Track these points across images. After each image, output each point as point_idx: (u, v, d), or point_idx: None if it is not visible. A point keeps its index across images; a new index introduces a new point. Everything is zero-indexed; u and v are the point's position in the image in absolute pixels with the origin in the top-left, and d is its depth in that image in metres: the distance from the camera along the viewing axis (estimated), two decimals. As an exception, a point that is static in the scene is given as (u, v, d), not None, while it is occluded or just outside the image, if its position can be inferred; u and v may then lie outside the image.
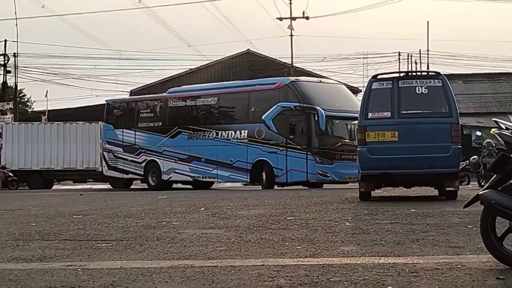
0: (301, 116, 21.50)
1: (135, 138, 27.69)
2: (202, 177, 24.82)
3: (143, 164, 27.02)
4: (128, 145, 27.85)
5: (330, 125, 21.71)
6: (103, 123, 29.58)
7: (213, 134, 24.33)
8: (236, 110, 24.38)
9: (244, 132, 23.07)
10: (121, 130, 28.20)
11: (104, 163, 29.17)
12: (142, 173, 27.11)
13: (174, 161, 25.80)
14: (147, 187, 26.43)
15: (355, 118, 18.83)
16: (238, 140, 23.31)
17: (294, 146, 21.71)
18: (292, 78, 22.82)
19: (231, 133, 23.64)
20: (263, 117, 22.22)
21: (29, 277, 4.77)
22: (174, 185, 26.36)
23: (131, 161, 27.78)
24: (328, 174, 21.24)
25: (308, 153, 21.39)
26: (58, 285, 4.46)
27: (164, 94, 28.05)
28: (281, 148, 21.96)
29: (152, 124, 26.99)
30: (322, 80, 23.87)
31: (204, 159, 24.45)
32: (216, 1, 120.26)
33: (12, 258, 5.73)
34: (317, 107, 21.14)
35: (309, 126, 21.37)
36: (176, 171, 25.69)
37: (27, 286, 4.45)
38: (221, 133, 23.96)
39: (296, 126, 21.72)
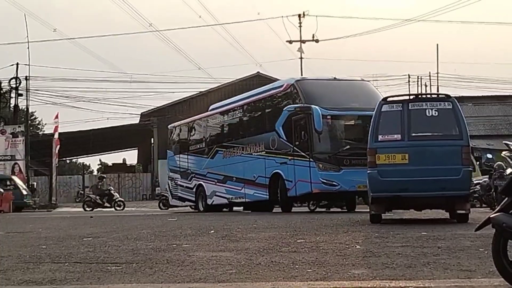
0: (304, 119, 18.72)
1: (187, 162, 25.96)
2: (234, 198, 22.61)
3: (194, 190, 25.07)
4: (183, 171, 26.21)
5: (336, 126, 19.11)
6: (168, 150, 28.37)
7: (239, 149, 22.28)
8: (253, 121, 22.19)
9: (262, 144, 20.77)
10: (178, 155, 26.80)
11: (169, 192, 27.84)
12: (194, 199, 25.12)
13: (214, 183, 23.75)
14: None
15: None
16: (258, 153, 21.01)
17: (299, 153, 18.97)
18: (298, 77, 20.40)
19: (252, 146, 21.47)
20: (275, 125, 19.89)
21: (39, 300, 4.77)
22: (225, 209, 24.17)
23: (186, 187, 25.90)
24: (334, 183, 18.30)
25: (311, 159, 18.60)
26: (68, 308, 4.46)
27: (208, 112, 26.01)
28: (289, 157, 19.34)
29: (198, 146, 25.37)
30: (338, 77, 20.73)
31: (235, 178, 22.40)
32: (226, 24, 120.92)
33: (22, 281, 5.73)
34: (312, 106, 18.35)
35: (310, 129, 18.49)
36: (217, 193, 23.58)
37: (37, 309, 4.44)
38: (245, 148, 21.87)
39: (300, 130, 18.99)
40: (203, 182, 24.39)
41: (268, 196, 20.47)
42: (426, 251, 7.36)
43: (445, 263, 6.33)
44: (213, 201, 23.73)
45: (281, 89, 20.27)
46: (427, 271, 5.86)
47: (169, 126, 28.47)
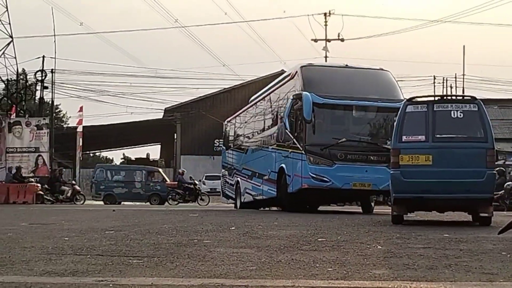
0: (301, 108, 16.91)
1: (232, 158, 25.41)
2: (257, 195, 21.40)
3: (234, 186, 24.46)
4: (229, 167, 25.73)
5: (332, 115, 17.37)
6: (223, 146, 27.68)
7: (261, 142, 21.15)
8: (269, 112, 20.86)
9: (274, 136, 19.45)
10: (227, 151, 26.30)
11: (220, 189, 27.39)
12: (234, 196, 24.37)
13: (245, 179, 22.96)
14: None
15: (388, 109, 16.68)
16: (271, 146, 19.68)
17: (296, 145, 17.27)
18: (305, 63, 18.39)
19: (268, 139, 20.25)
20: (283, 115, 18.16)
21: (61, 291, 4.81)
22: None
23: (230, 184, 25.38)
24: (325, 179, 16.49)
25: (303, 152, 16.86)
26: (90, 299, 4.50)
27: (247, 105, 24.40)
28: (290, 150, 17.71)
29: (239, 140, 24.55)
30: (351, 65, 18.94)
31: (257, 174, 21.31)
32: (251, 21, 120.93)
33: (45, 272, 5.78)
34: (303, 92, 16.72)
35: (302, 118, 16.87)
36: (247, 190, 22.74)
37: (59, 300, 4.48)
38: (264, 141, 20.69)
39: (297, 120, 17.29)
40: (240, 178, 23.81)
41: (276, 193, 19.04)
42: (448, 253, 7.32)
43: (467, 266, 6.30)
44: (244, 198, 23.10)
45: (289, 77, 18.82)
46: (448, 273, 5.84)
47: (225, 122, 27.58)
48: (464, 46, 50.57)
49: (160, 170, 34.58)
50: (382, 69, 18.57)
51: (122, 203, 34.00)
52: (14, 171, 32.08)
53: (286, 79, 19.26)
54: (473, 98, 12.48)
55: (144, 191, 35.65)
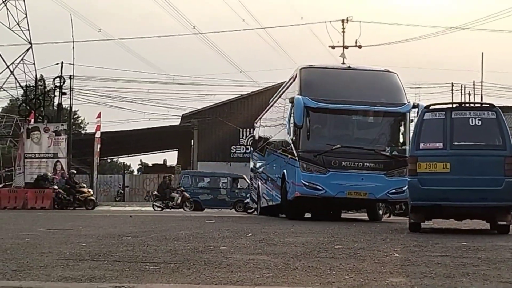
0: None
1: (256, 161, 25.10)
2: (269, 201, 20.96)
3: (256, 190, 24.07)
4: (254, 170, 25.47)
5: (326, 120, 16.58)
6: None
7: (272, 146, 20.61)
8: (278, 114, 20.10)
9: (280, 140, 18.88)
10: (253, 153, 25.98)
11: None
12: (257, 200, 23.97)
13: (262, 183, 22.55)
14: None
15: (388, 114, 16.33)
16: (278, 151, 19.06)
17: (292, 151, 16.54)
18: (305, 65, 17.28)
19: (277, 143, 19.68)
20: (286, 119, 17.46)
21: (78, 297, 4.83)
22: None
23: (254, 187, 25.07)
24: (318, 187, 15.65)
25: (297, 158, 16.10)
26: (107, 305, 4.51)
27: None
28: (289, 156, 16.99)
29: (261, 143, 23.79)
30: (353, 66, 18.08)
31: (270, 178, 20.87)
32: (269, 28, 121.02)
33: (62, 278, 5.80)
34: (296, 96, 15.96)
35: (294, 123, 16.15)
36: (263, 195, 22.35)
37: (76, 305, 4.49)
38: (275, 144, 20.10)
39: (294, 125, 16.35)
40: (260, 182, 23.49)
41: (280, 200, 18.42)
42: (465, 261, 7.28)
43: (485, 274, 6.25)
44: (262, 203, 22.81)
45: (292, 79, 18.01)
46: (466, 281, 5.80)
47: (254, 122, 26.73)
48: (482, 53, 50.17)
49: (245, 176, 34.37)
50: (388, 71, 17.69)
51: (205, 209, 33.53)
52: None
53: (290, 81, 18.59)
54: (492, 106, 12.41)
55: (229, 198, 35.21)
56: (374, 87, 16.98)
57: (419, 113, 12.54)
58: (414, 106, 16.10)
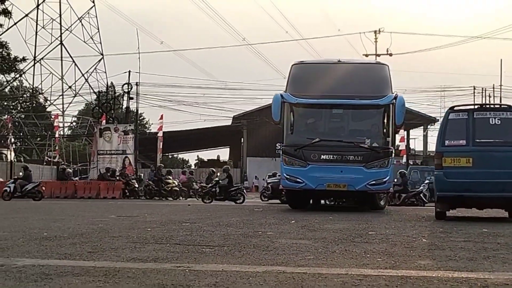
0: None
1: None
2: None
3: None
4: None
5: (306, 116, 15.48)
6: None
7: None
8: None
9: None
10: None
11: None
12: None
13: None
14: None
15: (367, 106, 14.75)
16: None
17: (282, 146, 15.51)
18: (297, 61, 16.01)
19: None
20: None
21: (144, 275, 4.87)
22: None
23: None
24: (299, 180, 14.61)
25: (281, 153, 15.26)
26: (169, 283, 4.54)
27: None
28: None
29: None
30: (343, 59, 16.29)
31: None
32: (309, 39, 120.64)
33: (130, 258, 5.87)
34: (275, 94, 15.14)
35: (283, 119, 15.12)
36: None
37: (142, 283, 4.53)
38: None
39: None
40: None
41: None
42: (486, 246, 7.16)
43: (504, 258, 6.14)
44: None
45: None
46: (487, 264, 5.70)
47: None
48: (501, 60, 49.31)
49: None
50: (379, 63, 16.27)
51: None
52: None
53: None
54: (510, 107, 12.21)
55: None
56: (360, 80, 15.60)
57: (444, 114, 12.34)
58: (395, 97, 14.73)
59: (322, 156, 14.58)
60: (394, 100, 14.68)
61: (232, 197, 22.83)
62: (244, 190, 26.11)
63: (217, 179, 24.55)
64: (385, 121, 14.83)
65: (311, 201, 17.23)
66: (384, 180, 14.45)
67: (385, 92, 14.93)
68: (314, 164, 14.53)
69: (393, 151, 14.66)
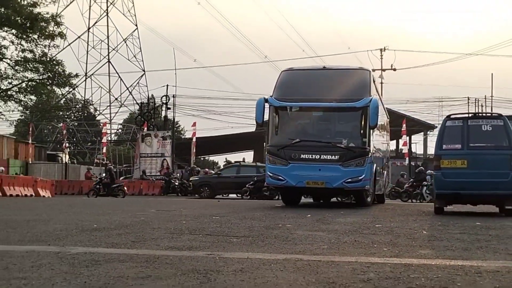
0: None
1: None
2: None
3: None
4: None
5: (287, 118, 14.76)
6: None
7: None
8: None
9: None
10: None
11: None
12: None
13: None
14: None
15: (344, 109, 14.07)
16: None
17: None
18: (287, 68, 15.48)
19: None
20: None
21: (180, 262, 4.89)
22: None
23: None
24: (280, 177, 14.06)
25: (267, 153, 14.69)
26: (201, 268, 4.55)
27: None
28: None
29: None
30: (328, 66, 15.91)
31: None
32: (323, 56, 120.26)
33: (168, 247, 5.90)
34: (261, 97, 14.39)
35: (268, 121, 14.65)
36: None
37: (178, 269, 4.55)
38: None
39: None
40: None
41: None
42: (479, 237, 7.07)
43: (495, 248, 6.07)
44: None
45: None
46: (480, 253, 5.64)
47: None
48: (492, 74, 48.63)
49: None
50: (361, 68, 15.50)
51: None
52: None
53: None
54: (500, 115, 12.14)
55: None
56: (341, 84, 14.69)
57: (442, 122, 12.25)
58: (370, 100, 13.77)
59: (302, 156, 13.96)
60: (369, 103, 13.87)
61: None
62: None
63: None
64: (362, 122, 14.04)
65: (302, 198, 16.53)
66: (360, 178, 13.80)
67: (363, 96, 14.05)
68: (295, 163, 13.93)
69: (370, 151, 13.93)
